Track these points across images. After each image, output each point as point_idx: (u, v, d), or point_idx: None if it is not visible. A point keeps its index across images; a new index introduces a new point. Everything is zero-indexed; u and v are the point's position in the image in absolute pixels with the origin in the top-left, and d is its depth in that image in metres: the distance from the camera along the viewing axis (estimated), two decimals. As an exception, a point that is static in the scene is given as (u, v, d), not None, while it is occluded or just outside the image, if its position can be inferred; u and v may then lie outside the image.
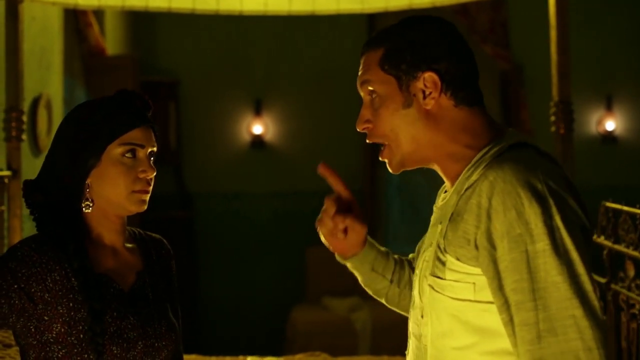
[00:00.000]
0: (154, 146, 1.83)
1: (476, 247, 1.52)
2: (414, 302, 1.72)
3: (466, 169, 1.60)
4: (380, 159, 1.70)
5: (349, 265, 1.92)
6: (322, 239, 1.87)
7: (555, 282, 1.45)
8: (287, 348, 6.40)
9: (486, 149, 1.59)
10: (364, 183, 7.46)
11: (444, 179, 1.69)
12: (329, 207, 1.81)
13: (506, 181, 1.49)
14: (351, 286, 7.27)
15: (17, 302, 1.69)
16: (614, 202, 3.45)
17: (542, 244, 1.46)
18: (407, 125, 1.63)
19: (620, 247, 3.36)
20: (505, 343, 1.52)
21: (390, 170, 1.69)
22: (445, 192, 1.70)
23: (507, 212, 1.47)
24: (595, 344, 1.43)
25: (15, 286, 1.69)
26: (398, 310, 1.96)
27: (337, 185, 1.83)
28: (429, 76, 1.61)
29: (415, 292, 1.70)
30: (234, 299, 7.50)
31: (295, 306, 6.98)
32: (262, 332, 7.35)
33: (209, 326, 7.43)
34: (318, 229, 1.85)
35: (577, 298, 1.44)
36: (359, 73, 1.69)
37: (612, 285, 3.42)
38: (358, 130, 1.69)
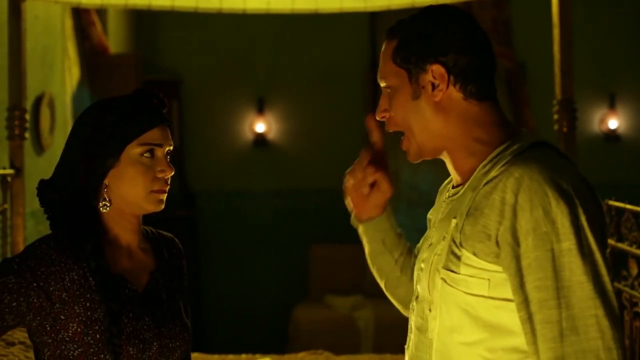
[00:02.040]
0: (171, 145, 1.84)
1: (497, 242, 1.52)
2: (417, 296, 1.72)
3: (482, 164, 1.60)
4: (402, 148, 1.71)
5: (361, 229, 1.92)
6: (346, 194, 1.88)
7: (580, 282, 1.46)
8: (290, 346, 6.40)
9: (503, 146, 1.60)
10: (366, 181, 7.46)
11: (453, 172, 1.69)
12: (363, 156, 1.83)
13: (533, 179, 1.49)
14: (354, 284, 7.31)
15: (35, 300, 1.69)
16: (616, 200, 3.45)
17: (568, 243, 1.46)
18: (417, 116, 1.64)
19: (623, 246, 3.36)
20: (514, 341, 1.53)
21: (409, 160, 1.71)
22: (454, 187, 1.70)
23: (534, 210, 1.48)
24: (614, 343, 1.45)
25: (34, 284, 1.69)
26: (392, 299, 1.96)
27: (376, 137, 1.84)
28: (437, 68, 1.62)
29: (423, 285, 1.69)
30: (237, 298, 7.51)
31: (298, 304, 6.98)
32: (265, 330, 7.36)
33: (211, 324, 7.44)
34: (346, 181, 1.86)
35: (600, 298, 1.45)
36: (379, 65, 1.72)
37: (615, 284, 3.41)
38: (377, 119, 1.72)
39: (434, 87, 1.62)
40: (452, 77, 1.62)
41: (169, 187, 1.83)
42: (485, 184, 1.56)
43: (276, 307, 7.34)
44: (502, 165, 1.55)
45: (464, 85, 1.63)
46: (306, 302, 7.06)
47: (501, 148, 1.59)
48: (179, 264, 1.98)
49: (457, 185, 1.69)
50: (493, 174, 1.56)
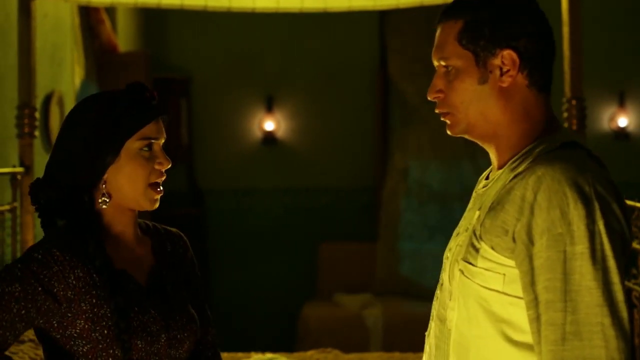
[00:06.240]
0: (164, 137, 1.86)
1: (513, 239, 1.51)
2: (442, 285, 1.71)
3: (513, 159, 1.60)
4: (442, 118, 1.68)
5: None
6: None
7: (589, 287, 1.44)
8: (299, 345, 6.40)
9: (536, 142, 1.59)
10: (375, 179, 7.46)
11: (494, 162, 1.67)
12: None
13: (554, 179, 1.48)
14: (363, 283, 7.31)
15: (42, 304, 1.69)
16: (626, 198, 3.43)
17: (582, 247, 1.44)
18: (478, 101, 1.61)
19: (634, 244, 3.35)
20: (526, 338, 1.52)
21: (449, 132, 1.68)
22: (487, 178, 1.69)
23: (551, 210, 1.46)
24: (618, 354, 1.42)
25: (40, 289, 1.69)
26: None
27: None
28: (508, 54, 1.59)
29: (446, 274, 1.69)
30: (245, 296, 7.51)
31: (307, 303, 6.98)
32: (274, 328, 7.36)
33: (220, 322, 7.41)
34: None
35: (608, 306, 1.43)
36: (435, 43, 1.67)
37: (625, 282, 3.40)
38: (429, 99, 1.68)
39: (501, 72, 1.60)
40: (522, 63, 1.59)
41: (164, 177, 1.84)
42: (511, 179, 1.55)
43: (285, 305, 7.34)
44: (530, 162, 1.54)
45: (531, 73, 1.60)
46: (315, 301, 7.07)
47: (533, 144, 1.58)
48: (184, 256, 1.98)
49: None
50: (520, 169, 1.55)
